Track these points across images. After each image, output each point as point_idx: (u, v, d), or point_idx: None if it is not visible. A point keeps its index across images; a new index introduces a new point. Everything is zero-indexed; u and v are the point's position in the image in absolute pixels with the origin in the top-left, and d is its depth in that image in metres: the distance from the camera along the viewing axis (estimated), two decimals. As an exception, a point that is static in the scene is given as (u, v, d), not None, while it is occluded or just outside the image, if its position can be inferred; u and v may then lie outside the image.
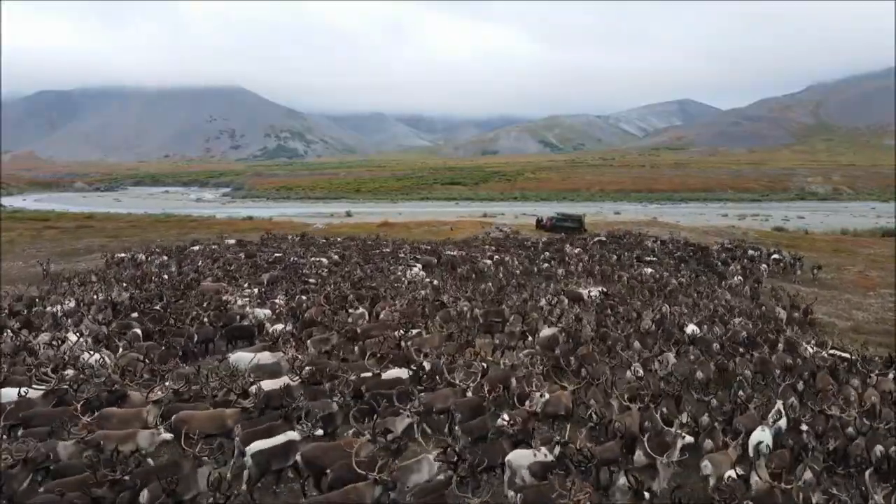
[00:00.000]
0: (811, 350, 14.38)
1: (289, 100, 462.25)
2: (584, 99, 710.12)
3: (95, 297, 18.22)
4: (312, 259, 27.13)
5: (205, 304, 17.53)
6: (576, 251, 30.65)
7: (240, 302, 18.01)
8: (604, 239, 35.41)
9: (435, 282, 22.53)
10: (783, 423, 9.88)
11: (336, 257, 28.05)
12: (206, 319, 15.69)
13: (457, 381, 10.95)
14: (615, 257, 29.20)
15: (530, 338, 14.86)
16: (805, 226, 51.30)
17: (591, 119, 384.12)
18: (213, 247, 31.54)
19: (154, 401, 9.71)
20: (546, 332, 14.99)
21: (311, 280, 22.39)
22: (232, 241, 34.05)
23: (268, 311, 16.87)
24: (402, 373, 11.64)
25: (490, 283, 22.44)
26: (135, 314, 16.31)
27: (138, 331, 14.34)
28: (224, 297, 18.52)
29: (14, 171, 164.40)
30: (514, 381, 11.54)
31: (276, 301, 18.21)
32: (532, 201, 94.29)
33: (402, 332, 14.43)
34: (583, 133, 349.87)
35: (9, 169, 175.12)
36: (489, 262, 26.93)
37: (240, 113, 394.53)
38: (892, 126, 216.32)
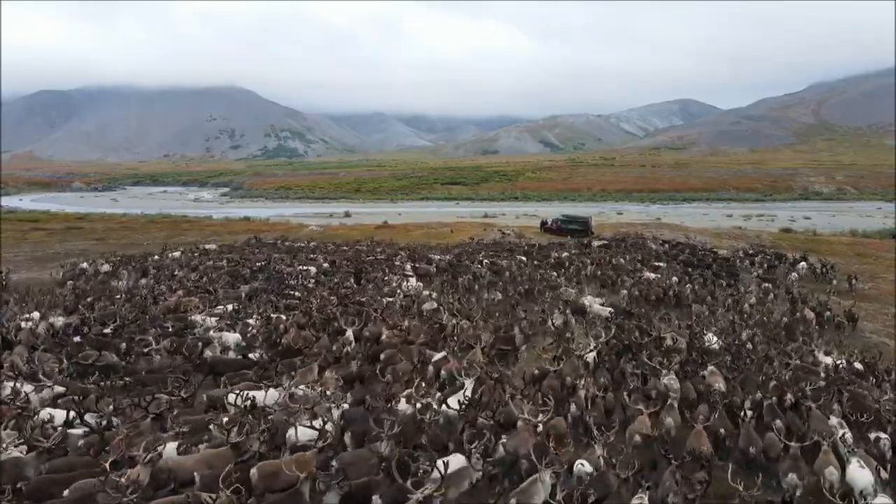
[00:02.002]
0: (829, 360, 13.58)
1: (289, 99, 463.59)
2: (585, 98, 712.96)
3: (25, 324, 14.72)
4: (300, 268, 24.47)
5: (163, 328, 14.51)
6: (564, 255, 29.05)
7: (209, 322, 15.17)
8: (606, 242, 33.92)
9: (434, 294, 20.15)
10: (849, 436, 9.24)
11: (326, 265, 25.58)
12: (158, 349, 12.71)
13: (526, 415, 9.12)
14: (622, 260, 27.67)
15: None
16: (812, 226, 50.26)
17: (592, 119, 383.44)
18: (176, 255, 27.76)
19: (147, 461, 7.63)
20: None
21: (296, 293, 19.82)
22: (212, 246, 31.47)
23: (237, 336, 14.12)
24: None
25: (496, 293, 20.47)
26: (78, 339, 13.44)
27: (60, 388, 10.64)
28: (192, 317, 15.80)
29: (13, 171, 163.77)
30: (573, 406, 9.95)
31: (250, 321, 15.52)
32: (533, 201, 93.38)
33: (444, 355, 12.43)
34: (583, 133, 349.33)
35: (8, 168, 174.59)
36: (481, 267, 25.15)
37: (239, 113, 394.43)
38: (893, 126, 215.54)
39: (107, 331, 14.12)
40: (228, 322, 15.36)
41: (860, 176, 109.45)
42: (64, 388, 10.47)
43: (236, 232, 42.57)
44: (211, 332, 14.19)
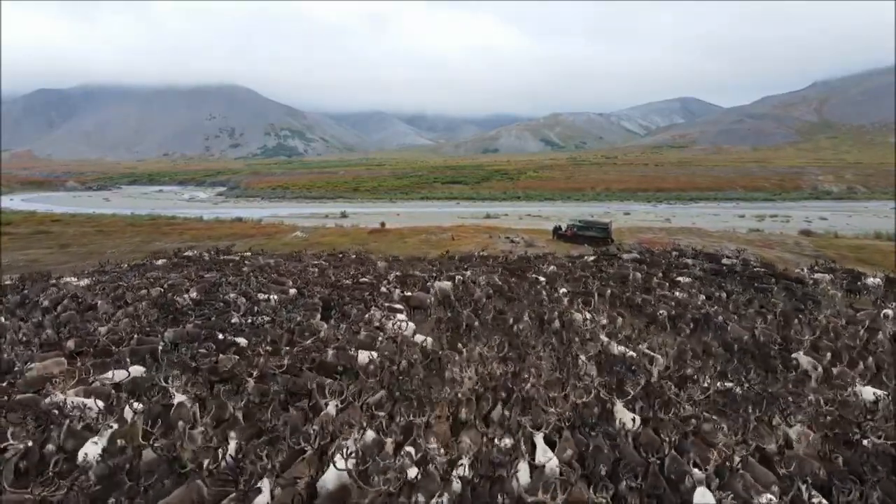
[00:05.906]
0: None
1: (289, 98, 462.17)
2: (586, 97, 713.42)
3: None
4: (259, 295, 18.72)
5: None
6: (552, 269, 24.79)
7: (68, 408, 9.39)
8: (637, 256, 28.78)
9: (429, 340, 14.77)
10: None
11: (294, 291, 19.90)
12: None
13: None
14: (637, 274, 23.23)
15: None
16: (832, 228, 47.74)
17: (593, 117, 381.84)
18: (83, 282, 20.69)
19: None
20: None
21: (240, 340, 13.97)
22: (160, 262, 25.55)
23: (93, 454, 7.98)
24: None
25: (518, 324, 16.09)
26: None
27: None
28: (53, 398, 9.77)
29: (11, 170, 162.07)
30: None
31: (137, 405, 9.50)
32: (536, 201, 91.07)
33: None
34: (584, 131, 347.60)
35: (7, 167, 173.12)
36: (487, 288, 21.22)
37: (239, 111, 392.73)
38: (895, 124, 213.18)
39: None
40: (99, 413, 9.06)
41: (869, 174, 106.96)
42: None
43: (219, 236, 39.44)
44: (59, 437, 8.51)
